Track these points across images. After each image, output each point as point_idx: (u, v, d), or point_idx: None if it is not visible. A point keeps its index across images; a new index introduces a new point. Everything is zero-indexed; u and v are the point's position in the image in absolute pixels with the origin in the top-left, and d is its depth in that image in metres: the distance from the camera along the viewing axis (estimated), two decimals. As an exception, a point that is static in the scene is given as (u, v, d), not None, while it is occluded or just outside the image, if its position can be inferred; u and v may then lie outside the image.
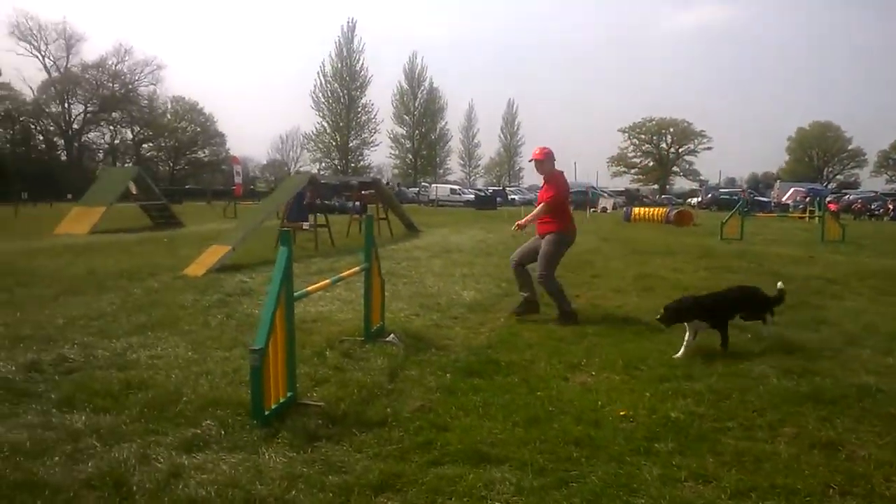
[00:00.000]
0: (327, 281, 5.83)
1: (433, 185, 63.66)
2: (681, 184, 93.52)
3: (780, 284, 6.51)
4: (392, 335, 6.26)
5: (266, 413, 4.01)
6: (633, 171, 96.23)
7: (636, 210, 30.28)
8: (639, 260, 12.96)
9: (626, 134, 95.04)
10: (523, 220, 8.02)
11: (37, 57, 71.89)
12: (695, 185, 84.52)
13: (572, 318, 7.27)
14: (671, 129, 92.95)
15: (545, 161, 7.71)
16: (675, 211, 27.83)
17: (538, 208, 7.76)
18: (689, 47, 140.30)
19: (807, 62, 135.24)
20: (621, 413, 4.37)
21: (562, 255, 7.75)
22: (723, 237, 18.50)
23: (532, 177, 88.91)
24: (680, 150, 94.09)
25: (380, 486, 3.34)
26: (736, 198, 45.18)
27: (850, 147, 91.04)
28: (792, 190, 53.14)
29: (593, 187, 62.00)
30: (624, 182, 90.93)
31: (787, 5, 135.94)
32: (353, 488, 3.30)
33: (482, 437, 3.94)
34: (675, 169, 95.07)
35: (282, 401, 4.23)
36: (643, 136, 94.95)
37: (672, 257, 13.35)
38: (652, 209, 30.62)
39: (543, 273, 7.51)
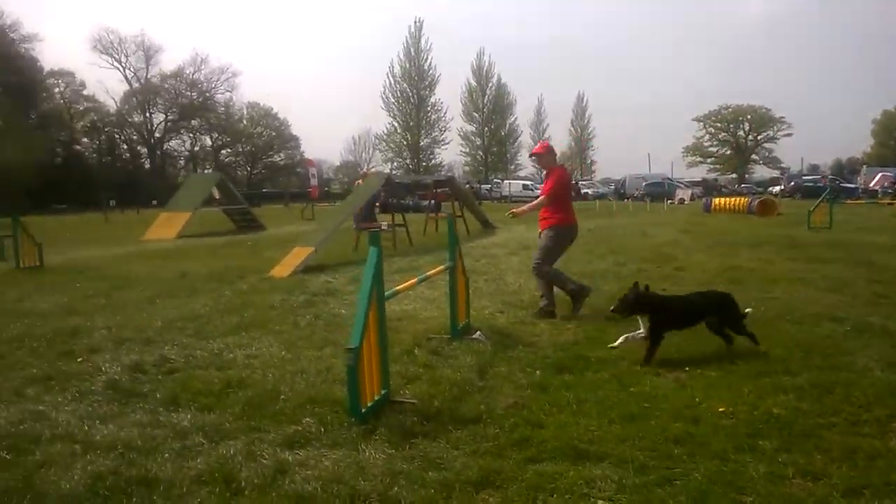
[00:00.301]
0: (414, 280, 5.89)
1: (505, 182, 63.46)
2: (760, 172, 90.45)
3: (748, 310, 6.09)
4: (478, 332, 6.29)
5: (363, 410, 4.08)
6: (709, 160, 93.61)
7: (716, 200, 29.46)
8: (723, 252, 12.63)
9: (702, 123, 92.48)
10: (518, 210, 8.01)
11: (118, 69, 75.10)
12: (775, 173, 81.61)
13: (550, 315, 7.19)
14: (748, 117, 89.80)
15: (545, 155, 7.74)
16: (758, 200, 26.96)
17: (536, 201, 7.71)
18: (766, 32, 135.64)
19: (890, 42, 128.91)
20: (720, 409, 4.27)
21: (561, 249, 7.64)
22: (810, 226, 17.85)
23: (605, 170, 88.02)
24: (759, 138, 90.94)
25: (480, 483, 3.36)
26: (820, 185, 43.61)
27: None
28: (879, 175, 50.73)
29: (669, 178, 60.93)
30: (700, 172, 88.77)
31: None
32: (454, 485, 3.33)
33: (578, 434, 3.91)
34: (753, 157, 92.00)
35: (377, 398, 4.29)
36: (719, 125, 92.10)
37: (758, 248, 12.96)
38: (733, 199, 29.72)
39: (537, 262, 7.44)
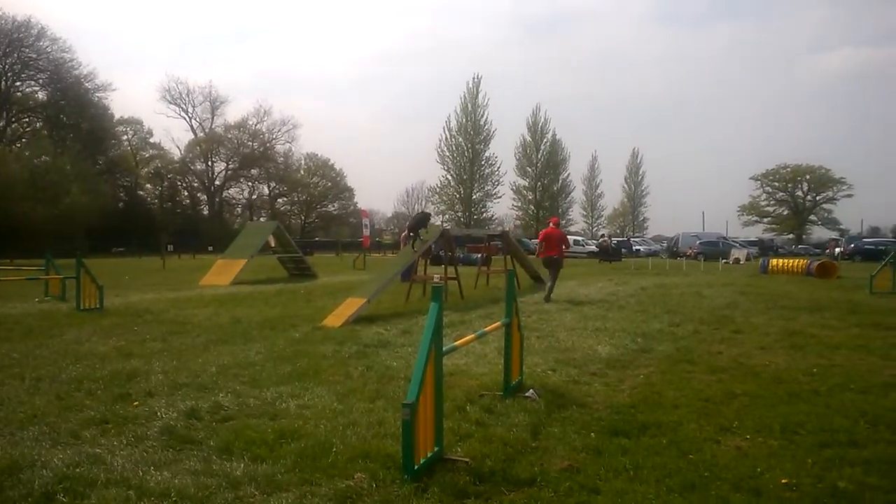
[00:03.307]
0: (473, 336, 5.88)
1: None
2: (818, 233, 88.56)
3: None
4: (531, 390, 6.21)
5: (416, 467, 4.04)
6: (765, 219, 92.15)
7: (773, 261, 28.82)
8: (783, 315, 12.31)
9: (759, 182, 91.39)
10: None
11: (184, 118, 77.83)
12: (834, 234, 79.69)
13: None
14: (807, 177, 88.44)
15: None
16: (818, 263, 26.30)
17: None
18: (826, 91, 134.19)
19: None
20: (783, 481, 4.12)
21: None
22: (872, 291, 17.31)
23: (657, 227, 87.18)
24: (817, 198, 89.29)
25: (534, 549, 3.28)
26: (882, 248, 42.35)
27: None
28: (946, 239, 49.17)
29: (724, 237, 59.95)
30: (756, 231, 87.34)
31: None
32: (508, 549, 3.26)
33: (636, 502, 3.80)
34: (811, 217, 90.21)
35: (430, 455, 4.25)
36: (777, 184, 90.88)
37: (819, 313, 12.59)
38: (791, 260, 29.05)
39: None
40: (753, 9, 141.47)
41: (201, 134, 78.17)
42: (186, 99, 77.16)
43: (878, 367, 7.70)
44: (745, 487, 4.02)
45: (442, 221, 72.33)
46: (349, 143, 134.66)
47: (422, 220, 15.87)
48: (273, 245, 24.66)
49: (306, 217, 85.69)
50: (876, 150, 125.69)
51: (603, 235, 52.73)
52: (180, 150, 76.99)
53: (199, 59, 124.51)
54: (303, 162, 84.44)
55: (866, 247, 50.36)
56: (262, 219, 72.12)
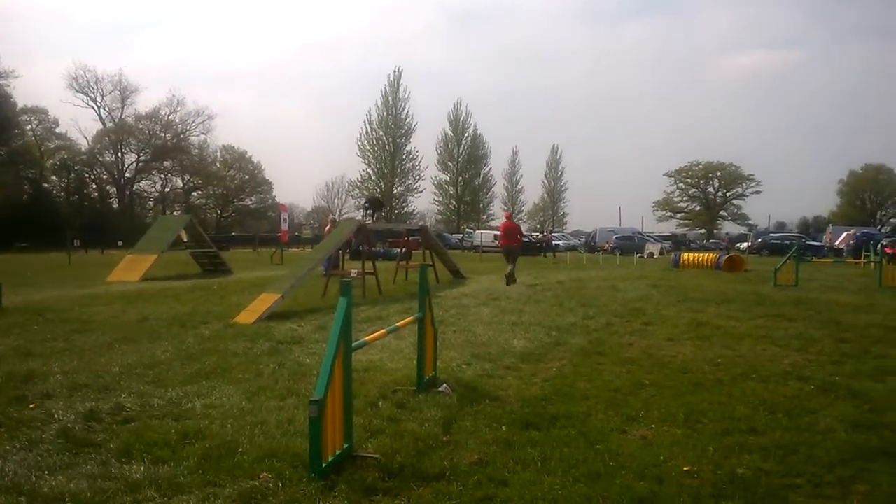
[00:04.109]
0: (383, 331, 5.82)
1: (477, 231, 63.75)
2: (728, 228, 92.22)
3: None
4: (444, 385, 6.21)
5: (324, 465, 3.97)
6: (679, 215, 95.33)
7: (685, 255, 29.78)
8: (692, 307, 12.71)
9: (673, 178, 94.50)
10: None
11: (93, 108, 74.63)
12: (743, 230, 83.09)
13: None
14: (718, 173, 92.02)
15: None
16: (726, 257, 27.33)
17: None
18: (737, 91, 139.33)
19: (856, 104, 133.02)
20: (685, 469, 4.24)
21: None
22: (776, 284, 18.08)
23: (577, 222, 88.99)
24: (728, 195, 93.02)
25: (440, 544, 3.27)
26: (787, 242, 44.32)
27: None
28: (845, 234, 51.77)
29: (639, 232, 61.66)
30: (670, 226, 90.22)
31: (835, 49, 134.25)
32: (414, 545, 3.23)
33: (543, 493, 3.84)
34: (722, 213, 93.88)
35: (338, 453, 4.19)
36: (690, 181, 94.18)
37: (726, 305, 13.06)
38: (701, 255, 30.07)
39: None
40: (667, 9, 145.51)
41: (111, 124, 75.05)
42: (95, 87, 73.70)
43: (779, 356, 8.04)
44: (648, 475, 4.11)
45: (363, 216, 72.01)
46: (268, 136, 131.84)
47: (376, 200, 18.25)
48: (186, 240, 23.95)
49: (222, 211, 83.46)
50: (782, 149, 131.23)
51: (541, 232, 53.35)
52: (88, 141, 73.82)
53: (109, 47, 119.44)
54: (219, 154, 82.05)
55: (772, 241, 52.66)
56: (175, 213, 69.87)
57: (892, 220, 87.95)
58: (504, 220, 20.01)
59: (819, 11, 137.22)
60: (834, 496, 3.89)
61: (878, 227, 72.67)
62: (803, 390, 6.31)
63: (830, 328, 10.16)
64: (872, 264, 24.01)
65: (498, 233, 63.12)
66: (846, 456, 4.49)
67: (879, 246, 30.25)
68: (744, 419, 5.31)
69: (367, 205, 17.20)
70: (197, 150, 79.42)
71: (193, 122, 77.65)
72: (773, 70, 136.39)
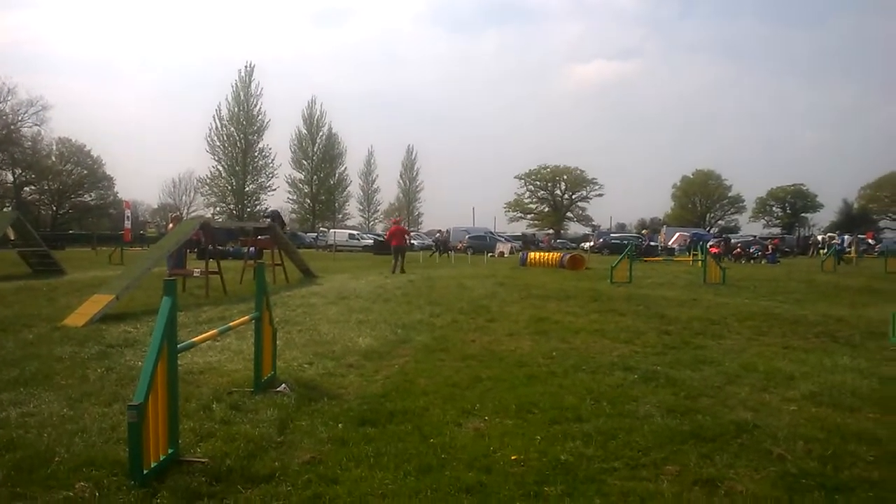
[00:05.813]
0: (214, 331, 5.63)
1: (331, 231, 63.17)
2: (574, 229, 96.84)
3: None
4: (283, 385, 6.12)
5: (145, 472, 3.81)
6: (529, 216, 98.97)
7: (532, 255, 30.87)
8: (534, 304, 13.19)
9: (523, 180, 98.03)
10: None
11: None
12: (588, 230, 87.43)
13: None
14: (565, 177, 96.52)
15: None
16: (569, 256, 28.59)
17: None
18: (581, 98, 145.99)
19: (689, 114, 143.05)
20: (513, 457, 4.41)
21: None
22: (613, 281, 19.10)
23: (431, 222, 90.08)
24: (573, 197, 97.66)
25: (264, 545, 3.22)
26: (626, 242, 46.98)
27: (730, 194, 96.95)
28: (677, 234, 55.67)
29: (491, 232, 63.30)
30: (521, 227, 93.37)
31: (672, 60, 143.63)
32: (236, 548, 3.17)
33: (372, 489, 3.87)
34: (569, 214, 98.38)
35: (162, 458, 4.04)
36: (538, 183, 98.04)
37: (566, 301, 13.65)
38: (547, 254, 31.29)
39: None
40: (517, 19, 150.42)
41: (-71, 112, 68.34)
42: None
43: (609, 348, 8.51)
44: (477, 466, 4.24)
45: (213, 214, 69.52)
46: (110, 130, 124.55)
47: (276, 215, 21.72)
48: (12, 237, 22.17)
49: (58, 208, 77.95)
50: (623, 154, 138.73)
51: (440, 232, 53.47)
52: None
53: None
54: (54, 147, 76.56)
55: (613, 241, 55.65)
56: (5, 209, 64.56)
57: (719, 222, 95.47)
58: (392, 225, 26.22)
59: (654, 26, 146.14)
60: (648, 477, 4.16)
61: (707, 229, 78.66)
62: (627, 379, 6.71)
63: (656, 321, 10.86)
64: (699, 263, 25.86)
65: (353, 232, 63.93)
66: (661, 440, 4.82)
67: (706, 246, 32.67)
68: (571, 408, 5.57)
69: (269, 218, 17.71)
70: (30, 143, 73.63)
71: (26, 112, 71.95)
72: (611, 79, 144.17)
